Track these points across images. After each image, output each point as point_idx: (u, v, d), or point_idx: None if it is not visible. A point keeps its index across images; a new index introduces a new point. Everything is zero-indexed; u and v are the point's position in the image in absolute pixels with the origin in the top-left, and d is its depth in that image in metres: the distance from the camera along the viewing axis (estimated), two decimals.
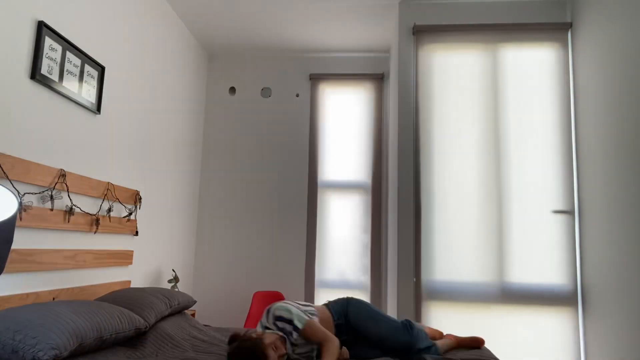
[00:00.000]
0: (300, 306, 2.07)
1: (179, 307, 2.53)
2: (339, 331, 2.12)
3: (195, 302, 2.75)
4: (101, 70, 2.59)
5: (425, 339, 2.08)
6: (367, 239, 4.04)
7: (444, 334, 2.39)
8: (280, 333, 1.90)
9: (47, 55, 2.12)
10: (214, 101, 4.39)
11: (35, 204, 2.06)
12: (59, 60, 2.21)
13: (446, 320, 3.04)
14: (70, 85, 2.31)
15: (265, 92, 4.37)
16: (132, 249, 3.02)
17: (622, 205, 2.57)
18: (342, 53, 4.34)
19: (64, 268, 2.26)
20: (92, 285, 2.51)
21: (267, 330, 1.93)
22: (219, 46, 4.28)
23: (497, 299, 3.04)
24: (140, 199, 3.05)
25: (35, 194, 2.06)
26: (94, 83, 2.53)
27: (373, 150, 4.15)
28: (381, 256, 4.00)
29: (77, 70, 2.37)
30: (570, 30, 3.26)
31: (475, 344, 2.18)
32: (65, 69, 2.26)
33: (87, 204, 2.47)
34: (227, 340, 1.92)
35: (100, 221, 2.58)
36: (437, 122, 3.26)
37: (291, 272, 4.09)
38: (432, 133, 3.25)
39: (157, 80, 3.36)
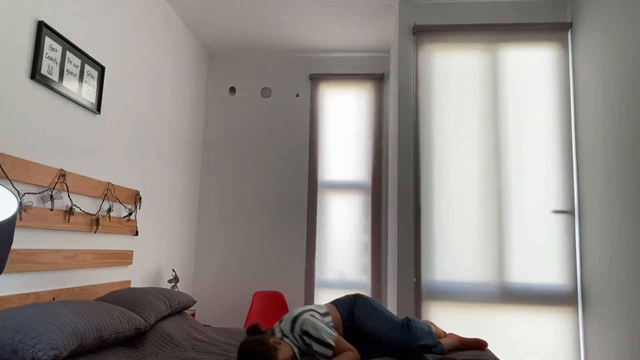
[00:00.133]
0: (319, 315, 2.02)
1: (179, 307, 2.53)
2: (347, 332, 2.11)
3: (195, 302, 2.75)
4: (101, 70, 2.59)
5: (429, 336, 2.03)
6: (367, 239, 4.04)
7: (447, 333, 2.38)
8: (295, 349, 1.88)
9: (47, 55, 2.12)
10: (214, 101, 4.39)
11: (35, 204, 2.06)
12: (59, 60, 2.21)
13: (446, 320, 3.04)
14: (70, 85, 2.31)
15: (265, 92, 4.37)
16: (132, 249, 3.02)
17: (622, 205, 2.57)
18: (342, 53, 4.34)
19: (64, 268, 2.26)
20: (92, 285, 2.51)
21: (285, 339, 1.90)
22: (219, 46, 4.28)
23: (497, 299, 3.04)
24: (140, 199, 3.05)
25: (35, 194, 2.06)
26: (94, 83, 2.53)
27: (373, 150, 4.15)
28: (381, 256, 4.00)
29: (77, 70, 2.37)
30: (570, 30, 3.26)
31: (479, 346, 2.17)
32: (65, 69, 2.26)
33: (87, 204, 2.47)
34: (247, 328, 1.90)
35: (100, 221, 2.58)
36: (437, 122, 3.26)
37: (291, 272, 4.09)
38: (432, 133, 3.25)
39: (157, 80, 3.36)
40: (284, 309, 3.90)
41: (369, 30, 3.89)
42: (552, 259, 3.05)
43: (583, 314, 2.99)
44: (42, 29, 2.08)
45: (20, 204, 1.93)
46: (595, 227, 2.86)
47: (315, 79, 4.30)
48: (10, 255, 1.90)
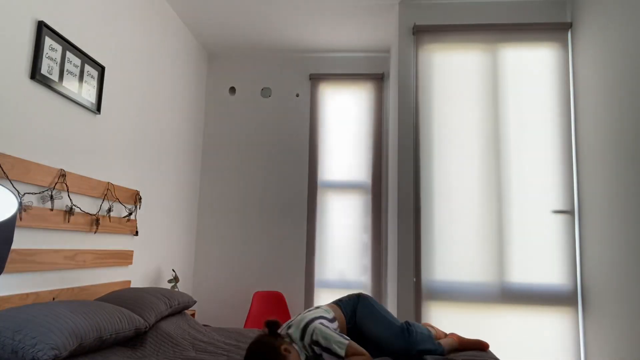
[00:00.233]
0: (328, 321, 1.99)
1: (179, 307, 2.53)
2: (350, 333, 2.09)
3: (195, 302, 2.75)
4: (101, 70, 2.59)
5: (429, 341, 2.00)
6: (367, 238, 4.04)
7: (447, 333, 2.37)
8: (303, 357, 1.87)
9: (47, 55, 2.12)
10: (214, 101, 4.39)
11: (35, 204, 2.06)
12: (59, 60, 2.21)
13: (446, 321, 3.04)
14: (70, 85, 2.31)
15: (265, 92, 4.37)
16: (132, 249, 3.02)
17: (622, 205, 2.57)
18: (342, 53, 4.34)
19: (64, 268, 2.26)
20: (92, 285, 2.51)
21: (294, 345, 1.88)
22: (219, 46, 4.28)
23: (497, 299, 3.04)
24: (140, 199, 3.05)
25: (35, 194, 2.06)
26: (94, 83, 2.53)
27: (373, 150, 4.15)
28: (381, 256, 4.00)
29: (77, 70, 2.37)
30: (570, 30, 3.26)
31: (480, 347, 2.15)
32: (65, 69, 2.26)
33: (87, 204, 2.47)
34: (267, 322, 1.85)
35: (100, 221, 2.58)
36: (437, 122, 3.26)
37: (291, 272, 4.09)
38: (432, 133, 3.25)
39: (157, 80, 3.36)
40: (284, 309, 3.90)
41: (369, 30, 3.89)
42: (552, 259, 3.05)
43: (583, 314, 2.99)
44: (42, 29, 2.08)
45: (20, 204, 1.93)
46: (595, 227, 2.86)
47: (315, 79, 4.30)
48: (10, 255, 1.90)
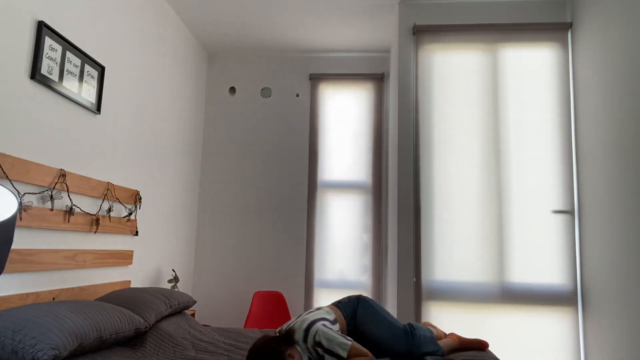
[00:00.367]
0: (330, 323, 1.99)
1: (179, 307, 2.53)
2: (350, 335, 2.09)
3: (195, 302, 2.75)
4: (101, 70, 2.59)
5: (431, 342, 2.00)
6: (367, 238, 4.04)
7: (447, 333, 2.37)
8: (305, 358, 1.87)
9: (47, 55, 2.12)
10: (214, 101, 4.39)
11: (35, 204, 2.06)
12: (59, 60, 2.21)
13: (446, 321, 3.04)
14: (70, 85, 2.31)
15: (265, 92, 4.37)
16: (132, 249, 3.02)
17: (622, 205, 2.57)
18: (342, 53, 4.34)
19: (64, 268, 2.26)
20: (92, 285, 2.51)
21: (297, 346, 1.87)
22: (219, 46, 4.28)
23: (497, 299, 3.04)
24: (140, 199, 3.05)
25: (35, 194, 2.06)
26: (94, 83, 2.53)
27: (373, 150, 4.15)
28: (381, 256, 4.00)
29: (77, 70, 2.37)
30: (570, 30, 3.26)
31: (480, 346, 2.15)
32: (65, 69, 2.26)
33: (87, 204, 2.47)
34: (283, 328, 1.84)
35: (100, 221, 2.58)
36: (437, 122, 3.26)
37: (291, 272, 4.09)
38: (432, 133, 3.25)
39: (157, 80, 3.36)
40: (284, 309, 3.90)
41: (369, 30, 3.89)
42: (552, 259, 3.05)
43: (583, 314, 2.99)
44: (42, 29, 2.08)
45: (20, 204, 1.93)
46: (595, 227, 2.86)
47: (315, 79, 4.30)
48: (10, 255, 1.90)
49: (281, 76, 4.37)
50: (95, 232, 2.53)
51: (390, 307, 3.48)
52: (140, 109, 3.12)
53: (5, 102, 1.90)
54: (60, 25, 2.24)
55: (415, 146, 3.25)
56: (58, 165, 2.24)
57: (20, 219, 1.95)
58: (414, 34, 3.37)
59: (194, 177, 4.17)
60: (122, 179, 2.89)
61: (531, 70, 3.25)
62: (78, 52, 2.37)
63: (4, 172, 1.84)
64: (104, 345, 1.80)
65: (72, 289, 2.32)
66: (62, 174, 2.23)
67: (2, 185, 1.57)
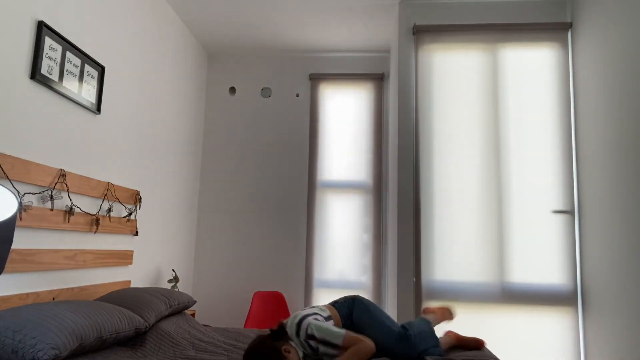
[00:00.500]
0: (323, 318, 2.00)
1: (179, 307, 2.53)
2: None
3: (195, 302, 2.75)
4: (101, 70, 2.59)
5: (428, 336, 2.00)
6: (367, 238, 4.04)
7: (446, 331, 2.37)
8: (300, 353, 1.88)
9: (47, 55, 2.12)
10: (214, 101, 4.39)
11: (35, 204, 2.06)
12: (59, 60, 2.21)
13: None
14: (70, 85, 2.31)
15: (265, 92, 4.37)
16: (132, 249, 3.02)
17: (622, 205, 2.57)
18: (342, 53, 4.34)
19: (64, 268, 2.26)
20: (92, 285, 2.51)
21: (291, 342, 1.88)
22: (219, 46, 4.28)
23: (497, 299, 3.04)
24: (140, 199, 3.05)
25: (35, 194, 2.06)
26: (94, 83, 2.53)
27: (373, 150, 4.15)
28: (381, 256, 4.00)
29: (77, 70, 2.37)
30: (570, 30, 3.26)
31: (476, 345, 2.17)
32: (65, 69, 2.26)
33: (87, 204, 2.47)
34: (280, 324, 1.86)
35: (100, 221, 2.58)
36: (437, 122, 3.26)
37: (291, 272, 4.09)
38: (432, 133, 3.25)
39: (157, 80, 3.36)
40: (284, 309, 3.90)
41: (369, 30, 3.89)
42: (552, 259, 3.05)
43: (583, 314, 2.99)
44: (42, 29, 2.08)
45: (20, 204, 1.93)
46: (595, 227, 2.86)
47: (315, 79, 4.30)
48: (10, 255, 1.90)
49: (281, 76, 4.37)
50: (95, 232, 2.53)
51: (390, 307, 3.48)
52: (140, 109, 3.12)
53: (5, 102, 1.90)
54: (60, 25, 2.24)
55: (415, 146, 3.25)
56: (58, 165, 2.24)
57: (20, 219, 1.95)
58: (414, 34, 3.37)
59: (194, 177, 4.17)
60: (122, 179, 2.89)
61: (531, 70, 3.25)
62: (78, 52, 2.37)
63: (4, 172, 1.84)
64: (104, 345, 1.80)
65: (72, 289, 2.32)
66: (62, 174, 2.23)
67: (2, 185, 1.57)
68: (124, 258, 2.87)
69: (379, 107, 4.22)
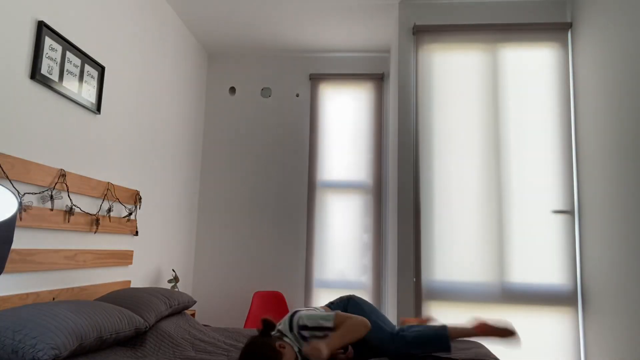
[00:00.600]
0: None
1: (179, 307, 2.53)
2: None
3: (195, 302, 2.75)
4: (101, 70, 2.59)
5: (432, 341, 1.94)
6: (367, 238, 4.04)
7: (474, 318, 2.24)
8: (295, 348, 1.87)
9: (47, 55, 2.12)
10: (214, 101, 4.39)
11: (35, 204, 2.06)
12: (59, 60, 2.21)
13: (446, 321, 3.04)
14: (70, 85, 2.31)
15: (265, 92, 4.37)
16: (132, 249, 3.02)
17: (622, 205, 2.57)
18: (342, 53, 4.34)
19: (64, 268, 2.26)
20: (92, 285, 2.51)
21: (285, 339, 1.89)
22: (219, 46, 4.28)
23: (497, 299, 3.04)
24: (140, 199, 3.05)
25: (35, 194, 2.06)
26: (94, 83, 2.53)
27: (373, 150, 4.15)
28: (381, 256, 4.00)
29: (77, 70, 2.37)
30: (570, 30, 3.26)
31: (504, 334, 1.95)
32: (65, 69, 2.26)
33: (87, 204, 2.47)
34: (263, 320, 1.85)
35: (100, 221, 2.58)
36: (437, 122, 3.26)
37: (291, 272, 4.09)
38: (432, 133, 3.25)
39: (157, 80, 3.36)
40: (284, 309, 3.90)
41: (369, 30, 3.89)
42: (552, 259, 3.05)
43: (583, 314, 2.99)
44: (42, 29, 2.08)
45: (20, 204, 1.93)
46: (595, 227, 2.86)
47: (315, 79, 4.30)
48: (10, 255, 1.90)
49: (281, 76, 4.37)
50: (95, 232, 2.53)
51: (390, 307, 3.48)
52: (140, 108, 3.12)
53: (5, 102, 1.90)
54: (60, 25, 2.24)
55: (415, 146, 3.25)
56: (58, 165, 2.24)
57: (20, 219, 1.95)
58: (414, 34, 3.37)
59: (194, 177, 4.17)
60: (122, 179, 2.89)
61: (531, 70, 3.25)
62: (78, 52, 2.37)
63: (4, 172, 1.84)
64: (104, 345, 1.80)
65: (72, 289, 2.32)
66: (62, 174, 2.23)
67: (2, 185, 1.57)
68: (124, 258, 2.86)
69: (379, 107, 4.22)
